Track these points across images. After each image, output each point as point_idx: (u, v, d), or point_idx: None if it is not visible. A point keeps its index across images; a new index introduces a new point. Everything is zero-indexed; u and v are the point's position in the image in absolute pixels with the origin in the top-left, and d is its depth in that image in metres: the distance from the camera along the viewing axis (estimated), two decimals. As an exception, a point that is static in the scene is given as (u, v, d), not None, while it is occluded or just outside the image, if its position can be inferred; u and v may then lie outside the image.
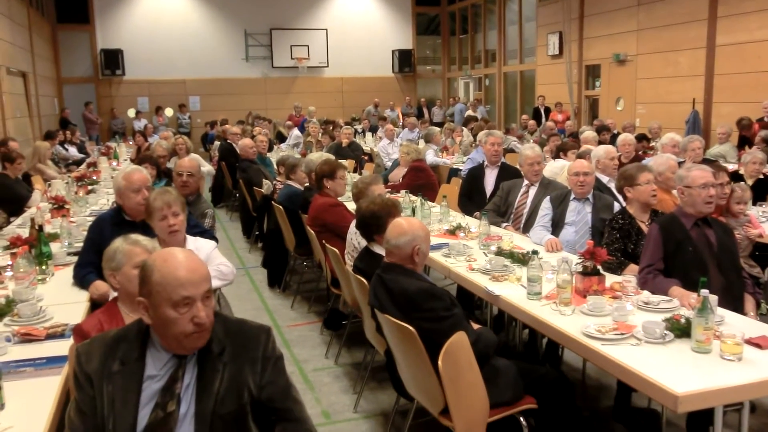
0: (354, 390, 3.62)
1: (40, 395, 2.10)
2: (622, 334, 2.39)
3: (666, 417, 2.99)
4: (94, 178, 7.21)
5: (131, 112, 15.65)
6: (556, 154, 6.28)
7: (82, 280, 3.26)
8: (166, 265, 1.67)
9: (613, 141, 7.80)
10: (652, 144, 8.61)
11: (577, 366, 3.69)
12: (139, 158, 5.67)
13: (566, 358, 3.77)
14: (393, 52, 17.63)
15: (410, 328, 2.33)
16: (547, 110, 13.58)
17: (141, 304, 1.70)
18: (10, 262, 3.57)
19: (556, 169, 5.89)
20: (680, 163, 4.73)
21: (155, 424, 1.64)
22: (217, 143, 10.27)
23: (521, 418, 2.45)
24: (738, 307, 2.82)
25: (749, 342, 2.27)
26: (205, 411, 1.67)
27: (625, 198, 3.53)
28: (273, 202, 5.45)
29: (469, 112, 14.29)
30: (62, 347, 2.48)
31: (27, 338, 2.57)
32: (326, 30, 16.84)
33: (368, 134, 12.90)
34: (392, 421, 3.13)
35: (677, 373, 2.09)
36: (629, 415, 3.03)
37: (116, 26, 15.68)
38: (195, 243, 3.10)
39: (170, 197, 2.97)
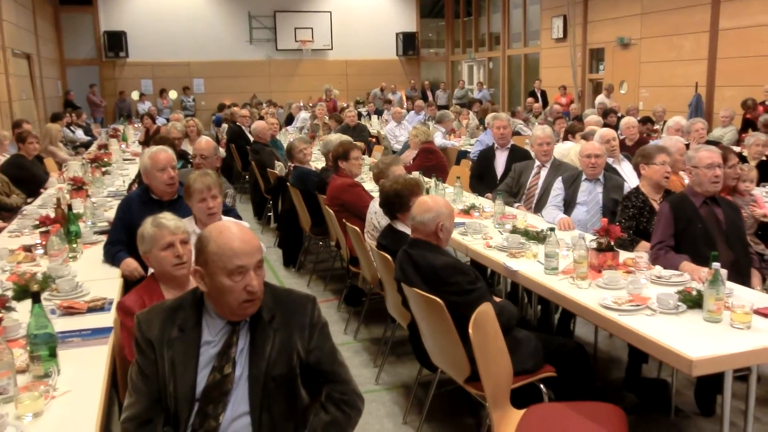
0: (374, 364, 3.76)
1: (92, 363, 2.23)
2: (638, 305, 2.52)
3: (675, 387, 3.15)
4: (105, 160, 7.30)
5: (135, 95, 15.68)
6: (565, 136, 6.38)
7: (113, 257, 3.38)
8: (222, 236, 1.79)
9: (618, 124, 7.90)
10: (656, 127, 8.71)
11: (588, 340, 3.84)
12: (155, 140, 5.76)
13: (578, 332, 3.92)
14: (397, 35, 17.62)
15: (438, 300, 2.46)
16: (543, 93, 13.65)
17: (197, 273, 1.81)
18: (39, 241, 3.69)
19: (564, 150, 5.99)
20: (686, 146, 4.85)
21: (213, 385, 1.77)
22: (224, 126, 10.35)
23: (542, 386, 2.59)
24: (745, 282, 2.95)
25: (757, 312, 2.40)
26: (259, 373, 1.79)
27: (639, 175, 3.63)
28: (288, 184, 5.56)
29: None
30: (104, 319, 2.62)
31: (69, 311, 2.69)
32: (330, 12, 16.82)
33: (374, 117, 12.97)
34: (414, 392, 3.28)
35: (691, 340, 2.23)
36: (640, 385, 3.18)
37: (119, 8, 15.64)
38: None
39: (210, 180, 3.07)
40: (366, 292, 4.25)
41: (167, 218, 2.54)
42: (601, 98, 11.33)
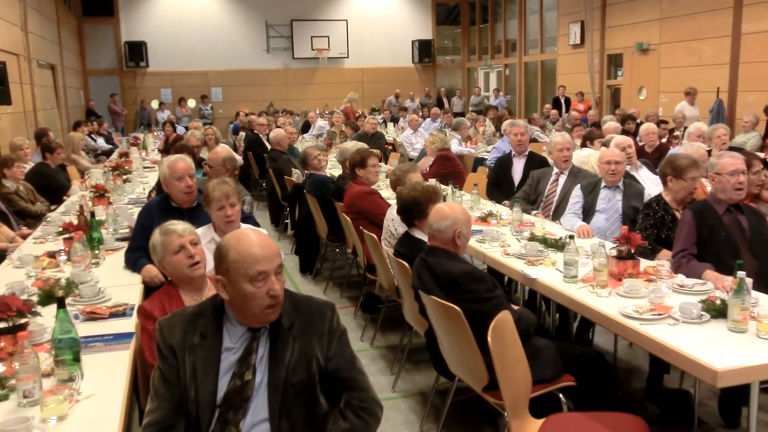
0: (391, 371, 3.76)
1: (114, 367, 2.26)
2: (660, 314, 2.48)
3: (698, 398, 3.09)
4: (126, 167, 7.41)
5: (155, 104, 15.92)
6: (583, 143, 6.34)
7: (134, 264, 3.42)
8: (241, 243, 1.80)
9: (636, 130, 7.83)
10: (677, 133, 8.62)
11: (608, 349, 3.79)
12: (175, 148, 5.84)
13: (596, 341, 3.88)
14: (413, 42, 17.67)
15: (456, 308, 2.45)
16: (567, 100, 13.56)
17: (219, 282, 1.83)
18: (62, 247, 3.75)
19: (583, 157, 5.94)
20: (708, 152, 4.78)
21: (233, 391, 1.78)
22: (242, 134, 10.45)
23: (561, 395, 2.56)
24: (771, 291, 2.89)
25: (784, 322, 2.35)
26: (278, 380, 1.80)
27: (665, 183, 3.54)
28: (305, 191, 5.59)
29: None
30: (125, 325, 2.65)
31: (92, 316, 2.74)
32: (346, 21, 16.94)
33: (389, 124, 13.00)
34: (431, 400, 3.27)
35: (715, 350, 2.19)
36: (662, 395, 3.13)
37: (140, 19, 15.92)
38: None
39: (228, 188, 3.09)
40: (383, 299, 4.25)
41: (174, 223, 2.59)
42: (682, 106, 10.01)
